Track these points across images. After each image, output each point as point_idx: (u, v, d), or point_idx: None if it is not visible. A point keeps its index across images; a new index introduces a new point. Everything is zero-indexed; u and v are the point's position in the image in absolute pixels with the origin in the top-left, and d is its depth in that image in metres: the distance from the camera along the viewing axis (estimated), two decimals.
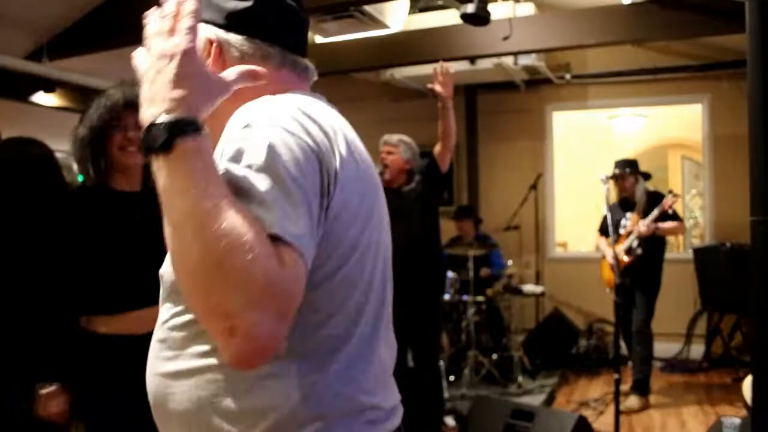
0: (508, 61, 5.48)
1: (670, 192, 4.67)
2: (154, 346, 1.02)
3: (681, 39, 5.52)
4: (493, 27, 3.91)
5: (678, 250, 7.92)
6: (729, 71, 5.64)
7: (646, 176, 4.91)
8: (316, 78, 1.18)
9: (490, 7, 3.63)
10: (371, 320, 1.00)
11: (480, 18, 3.61)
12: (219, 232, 0.75)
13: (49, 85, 4.88)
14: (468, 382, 4.95)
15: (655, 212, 4.56)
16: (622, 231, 4.73)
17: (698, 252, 5.62)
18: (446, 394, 4.53)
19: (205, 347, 0.92)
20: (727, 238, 5.42)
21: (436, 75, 3.45)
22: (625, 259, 4.56)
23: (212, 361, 0.92)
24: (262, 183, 0.82)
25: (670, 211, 4.56)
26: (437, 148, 3.62)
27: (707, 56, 5.80)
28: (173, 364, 0.97)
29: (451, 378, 5.02)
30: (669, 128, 8.22)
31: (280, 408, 0.90)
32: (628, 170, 4.79)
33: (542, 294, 6.01)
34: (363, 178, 1.00)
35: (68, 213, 2.05)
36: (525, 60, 5.56)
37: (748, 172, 2.18)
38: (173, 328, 0.97)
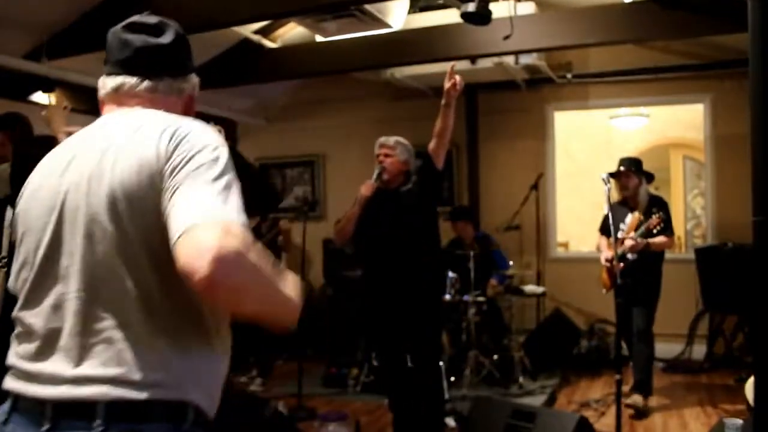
0: (509, 60, 5.47)
1: (657, 214, 4.46)
2: None
3: (682, 38, 5.50)
4: (493, 26, 3.89)
5: (680, 250, 7.91)
6: (731, 71, 5.62)
7: (650, 177, 4.80)
8: (106, 90, 1.36)
9: (491, 6, 3.62)
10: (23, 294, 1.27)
11: (481, 17, 3.60)
12: None
13: (48, 85, 4.87)
14: (469, 382, 4.93)
15: (642, 229, 4.44)
16: (620, 234, 4.59)
17: (700, 252, 5.60)
18: (447, 395, 4.51)
19: None
20: (729, 238, 5.41)
21: (450, 75, 3.44)
22: (620, 264, 4.35)
23: None
24: None
25: (654, 231, 4.41)
26: (432, 146, 3.61)
27: (709, 56, 5.78)
28: None
29: (452, 378, 5.01)
30: (670, 128, 8.20)
31: None
32: (633, 168, 4.65)
33: (543, 294, 5.99)
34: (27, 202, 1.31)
35: None
36: (526, 59, 5.54)
37: (750, 172, 2.16)
38: None
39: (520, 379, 5.01)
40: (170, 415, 1.15)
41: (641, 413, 4.46)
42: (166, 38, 1.35)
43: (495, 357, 5.15)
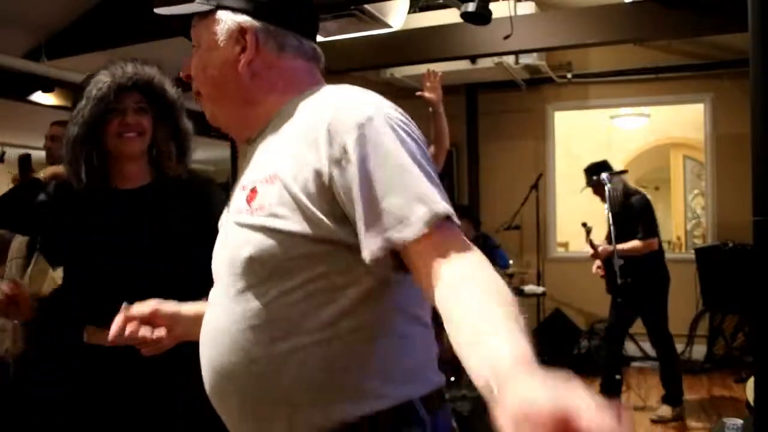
0: (509, 60, 5.47)
1: (584, 225, 4.51)
2: (245, 333, 1.01)
3: (683, 38, 5.50)
4: (493, 26, 3.88)
5: (680, 250, 7.90)
6: (731, 70, 5.62)
7: (621, 173, 4.60)
8: (323, 61, 1.24)
9: (491, 5, 3.61)
10: None
11: (481, 17, 3.59)
12: None
13: (47, 85, 4.86)
14: (469, 382, 4.93)
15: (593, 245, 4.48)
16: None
17: (700, 252, 5.60)
18: (447, 395, 4.51)
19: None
20: (730, 238, 5.40)
21: (425, 80, 3.43)
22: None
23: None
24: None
25: (594, 246, 4.46)
26: (432, 150, 3.62)
27: (709, 55, 5.78)
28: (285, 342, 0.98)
29: (452, 378, 5.00)
30: (671, 128, 8.20)
31: None
32: (594, 178, 4.48)
33: (543, 294, 5.99)
34: None
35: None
36: (526, 59, 5.54)
37: (750, 171, 2.16)
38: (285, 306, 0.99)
39: None
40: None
41: (674, 419, 4.40)
42: None
43: None
